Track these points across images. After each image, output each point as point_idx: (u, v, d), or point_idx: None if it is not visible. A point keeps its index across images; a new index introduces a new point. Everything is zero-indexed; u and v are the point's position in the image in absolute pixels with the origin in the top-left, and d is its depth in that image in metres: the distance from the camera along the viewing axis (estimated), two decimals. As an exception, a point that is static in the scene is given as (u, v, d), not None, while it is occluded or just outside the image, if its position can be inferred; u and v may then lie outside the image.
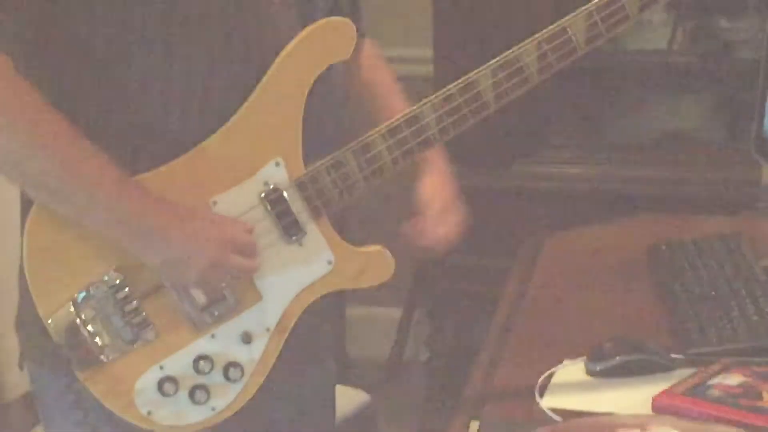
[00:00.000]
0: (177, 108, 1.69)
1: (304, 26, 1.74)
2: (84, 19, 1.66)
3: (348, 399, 2.52)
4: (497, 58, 1.75)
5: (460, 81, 1.75)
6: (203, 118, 1.70)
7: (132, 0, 1.64)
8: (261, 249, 1.73)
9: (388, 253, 1.79)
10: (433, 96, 1.75)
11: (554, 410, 1.70)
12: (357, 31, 1.78)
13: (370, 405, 2.59)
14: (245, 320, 1.74)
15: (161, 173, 1.70)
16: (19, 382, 2.38)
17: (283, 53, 1.72)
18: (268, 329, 1.75)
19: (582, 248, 2.38)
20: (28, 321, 1.76)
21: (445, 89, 1.75)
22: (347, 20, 1.75)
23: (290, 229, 1.74)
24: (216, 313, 1.73)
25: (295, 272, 1.76)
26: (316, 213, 1.75)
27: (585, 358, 1.82)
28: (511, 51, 1.75)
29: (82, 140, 1.64)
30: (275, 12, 1.74)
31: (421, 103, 1.76)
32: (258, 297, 1.75)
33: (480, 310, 2.73)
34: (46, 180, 1.63)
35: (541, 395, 1.75)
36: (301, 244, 1.75)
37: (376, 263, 1.80)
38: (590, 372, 1.80)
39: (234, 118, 1.71)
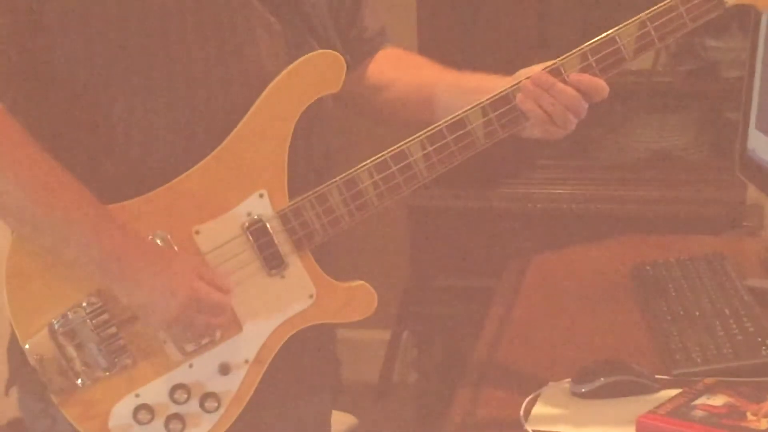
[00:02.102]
0: (162, 139, 1.70)
1: (293, 58, 1.74)
2: (67, 54, 1.66)
3: (337, 423, 2.51)
4: (489, 96, 1.74)
5: (448, 118, 1.74)
6: (188, 148, 1.71)
7: (114, 34, 1.65)
8: (242, 280, 1.73)
9: (370, 289, 1.78)
10: (422, 132, 1.74)
11: (539, 433, 1.70)
12: (375, 42, 1.83)
13: (359, 429, 2.58)
14: (224, 351, 1.74)
15: (145, 200, 1.70)
16: (4, 408, 2.37)
17: (271, 85, 1.72)
18: (246, 361, 1.74)
19: (567, 269, 2.38)
20: (15, 346, 1.76)
21: (433, 126, 1.74)
22: (336, 53, 1.75)
23: (272, 260, 1.74)
24: (195, 343, 1.72)
25: (276, 305, 1.75)
26: (298, 246, 1.74)
27: (570, 379, 1.82)
28: (504, 89, 1.74)
29: (62, 174, 1.65)
30: (263, 44, 1.74)
31: (409, 139, 1.74)
32: (238, 328, 1.74)
33: (467, 331, 2.73)
34: (22, 215, 1.64)
35: (526, 417, 1.75)
36: (282, 277, 1.75)
37: (358, 298, 1.78)
38: (575, 393, 1.80)
39: (219, 149, 1.71)
